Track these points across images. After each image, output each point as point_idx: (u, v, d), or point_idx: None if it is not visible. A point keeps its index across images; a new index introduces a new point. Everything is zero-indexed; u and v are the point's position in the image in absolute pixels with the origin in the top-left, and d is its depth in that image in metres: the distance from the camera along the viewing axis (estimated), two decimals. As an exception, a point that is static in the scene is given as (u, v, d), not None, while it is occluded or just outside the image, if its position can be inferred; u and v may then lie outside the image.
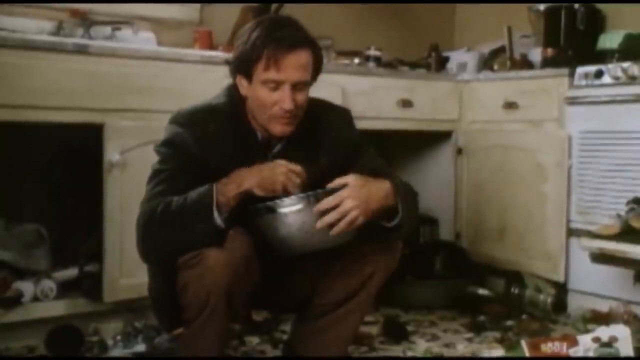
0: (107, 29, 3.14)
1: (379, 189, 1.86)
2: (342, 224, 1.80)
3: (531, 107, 3.34)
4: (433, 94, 3.57)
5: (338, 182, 1.84)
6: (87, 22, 3.12)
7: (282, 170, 1.84)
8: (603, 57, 3.36)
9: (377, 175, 1.95)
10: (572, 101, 3.13)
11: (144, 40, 3.17)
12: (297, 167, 1.86)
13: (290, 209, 1.79)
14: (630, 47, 3.26)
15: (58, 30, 3.06)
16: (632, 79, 2.94)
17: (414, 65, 3.94)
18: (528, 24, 3.89)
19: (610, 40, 3.38)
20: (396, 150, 3.89)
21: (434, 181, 3.74)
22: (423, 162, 3.80)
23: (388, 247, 2.03)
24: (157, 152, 1.94)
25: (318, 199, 1.78)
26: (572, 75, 3.19)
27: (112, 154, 2.61)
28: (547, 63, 3.55)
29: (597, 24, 3.66)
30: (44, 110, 2.54)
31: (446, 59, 4.01)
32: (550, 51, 3.59)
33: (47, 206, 2.94)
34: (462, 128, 3.64)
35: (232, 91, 1.98)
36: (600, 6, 3.65)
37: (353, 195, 1.79)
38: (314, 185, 1.88)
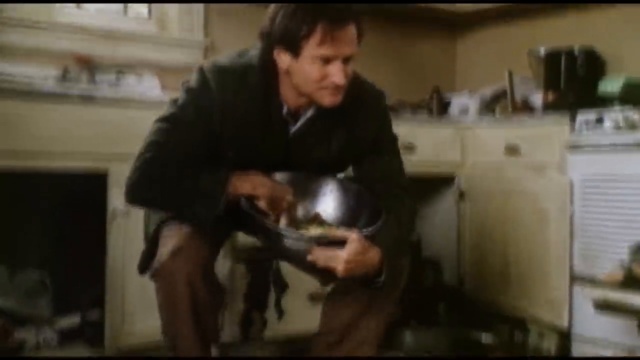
0: (112, 75, 3.17)
1: (370, 260, 1.85)
2: (323, 267, 1.82)
3: (533, 152, 3.35)
4: (435, 139, 3.59)
5: (343, 234, 1.84)
6: (91, 68, 3.16)
7: (287, 200, 1.89)
8: (604, 102, 3.39)
9: (388, 184, 2.00)
10: (574, 147, 3.14)
11: (148, 85, 3.19)
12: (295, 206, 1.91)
13: (295, 243, 1.82)
14: (630, 93, 3.28)
15: (63, 77, 3.09)
16: (632, 127, 2.95)
17: (416, 108, 3.98)
18: (529, 68, 3.94)
19: (610, 85, 3.41)
20: None
21: (437, 225, 3.74)
22: (426, 206, 3.80)
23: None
24: (183, 92, 1.93)
25: (319, 243, 1.81)
26: (573, 120, 3.20)
27: (115, 201, 2.62)
28: (548, 108, 3.57)
29: (597, 68, 3.69)
30: (48, 157, 2.56)
31: (448, 102, 4.05)
32: (551, 96, 3.62)
33: (50, 253, 2.94)
34: (464, 172, 3.65)
35: (267, 60, 1.92)
36: (600, 50, 3.68)
37: (347, 260, 1.80)
38: (324, 166, 1.98)
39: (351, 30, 1.83)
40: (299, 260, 1.84)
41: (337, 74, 1.83)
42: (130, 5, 3.51)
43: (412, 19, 4.25)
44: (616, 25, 3.72)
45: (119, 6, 3.49)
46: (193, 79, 1.93)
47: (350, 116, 2.00)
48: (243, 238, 2.88)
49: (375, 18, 3.88)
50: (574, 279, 3.10)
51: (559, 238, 3.16)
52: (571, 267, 3.12)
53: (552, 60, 3.73)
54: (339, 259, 1.79)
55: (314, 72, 1.84)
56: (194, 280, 1.84)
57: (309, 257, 1.80)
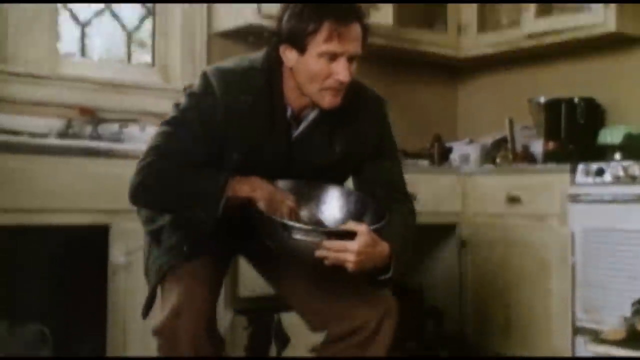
0: (115, 127, 3.19)
1: (379, 254, 1.85)
2: (331, 263, 1.82)
3: (534, 201, 3.36)
4: (436, 188, 3.60)
5: (351, 226, 1.84)
6: (95, 120, 3.18)
7: (288, 205, 1.89)
8: (604, 151, 3.41)
9: (390, 190, 2.01)
10: (574, 198, 3.15)
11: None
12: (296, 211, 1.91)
13: (302, 237, 1.82)
14: (631, 144, 3.30)
15: (67, 129, 3.11)
16: (632, 179, 2.97)
17: (416, 156, 3.99)
18: (529, 115, 3.96)
19: (610, 135, 3.44)
20: None
21: (439, 274, 3.74)
22: (427, 255, 3.80)
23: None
24: (186, 96, 1.95)
25: (328, 236, 1.82)
26: (573, 171, 3.22)
27: (117, 256, 2.62)
28: (548, 157, 3.59)
29: (597, 117, 3.72)
30: (49, 213, 2.56)
31: (449, 150, 4.06)
32: (551, 144, 3.64)
33: (51, 306, 2.93)
34: (465, 221, 3.66)
35: (272, 61, 1.96)
36: (600, 99, 3.71)
37: (357, 251, 1.80)
38: (327, 170, 1.98)
39: (356, 28, 1.88)
40: (307, 257, 1.82)
41: (342, 71, 1.86)
42: (133, 52, 3.55)
43: (413, 65, 4.27)
44: (616, 75, 3.76)
45: (122, 55, 3.52)
46: (196, 83, 1.96)
47: (352, 120, 2.02)
48: (244, 288, 2.90)
49: (377, 64, 3.90)
50: (576, 329, 3.09)
51: (560, 289, 3.16)
52: (573, 318, 3.11)
53: (552, 109, 3.77)
54: (349, 251, 1.79)
55: (320, 68, 1.86)
56: (197, 339, 1.85)
57: (318, 253, 1.79)
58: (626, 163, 3.04)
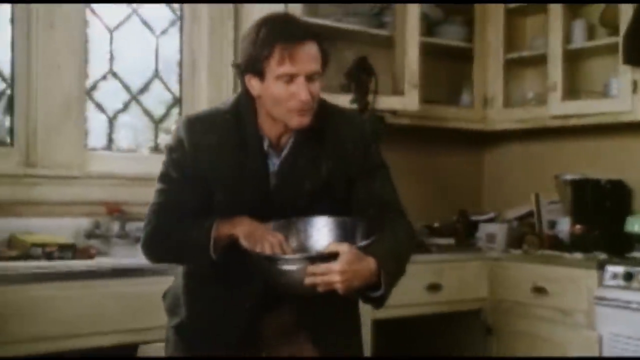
0: (142, 225, 3.21)
1: (366, 269, 1.85)
2: (323, 289, 1.82)
3: (560, 295, 3.34)
4: (462, 274, 3.59)
5: (332, 248, 1.85)
6: (122, 218, 3.22)
7: (270, 239, 1.89)
8: (631, 240, 3.39)
9: (384, 209, 2.02)
10: (602, 300, 3.13)
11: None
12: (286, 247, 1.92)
13: (287, 267, 1.85)
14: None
15: (94, 229, 3.15)
16: (662, 287, 2.94)
17: (441, 234, 3.98)
18: (556, 188, 3.94)
19: (638, 225, 3.40)
20: (423, 329, 3.82)
21: (465, 361, 3.72)
22: (452, 340, 3.78)
23: None
24: (165, 151, 2.07)
25: (312, 262, 1.83)
26: (601, 267, 3.20)
27: (145, 375, 2.65)
28: (575, 243, 3.56)
29: (625, 200, 3.70)
30: (77, 338, 2.58)
31: (475, 225, 4.04)
32: (578, 228, 3.61)
33: None
34: (491, 307, 3.64)
35: (241, 97, 2.03)
36: (628, 181, 3.68)
37: (341, 271, 1.80)
38: (317, 193, 1.99)
39: (310, 47, 1.91)
40: (298, 287, 1.83)
41: (301, 91, 1.89)
42: (160, 142, 3.57)
43: (439, 137, 4.26)
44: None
45: (150, 145, 3.55)
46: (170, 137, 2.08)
47: (335, 140, 2.03)
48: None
49: (403, 138, 3.90)
50: None
51: (587, 391, 3.13)
52: (600, 421, 3.09)
53: (578, 188, 3.76)
54: (333, 271, 1.80)
55: (279, 91, 1.90)
56: None
57: (307, 281, 1.81)
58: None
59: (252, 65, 1.93)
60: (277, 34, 1.89)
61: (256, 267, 1.91)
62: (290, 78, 1.89)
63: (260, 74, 1.92)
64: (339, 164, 2.03)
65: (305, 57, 1.90)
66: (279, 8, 3.26)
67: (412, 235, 2.08)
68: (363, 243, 1.88)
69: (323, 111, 2.02)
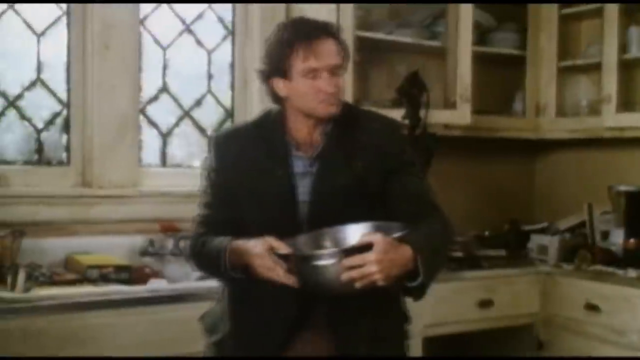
0: (195, 241, 3.26)
1: (402, 257, 1.85)
2: (362, 283, 1.82)
3: (613, 313, 3.30)
4: (513, 289, 3.57)
5: (365, 239, 1.86)
6: (176, 235, 3.25)
7: (276, 274, 1.90)
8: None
9: (419, 203, 2.05)
10: (657, 322, 3.09)
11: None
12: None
13: (321, 262, 1.84)
14: None
15: (148, 247, 3.20)
16: None
17: (491, 245, 3.95)
18: (609, 201, 3.88)
19: (694, 243, 3.35)
20: (473, 344, 3.79)
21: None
22: (504, 354, 3.77)
23: None
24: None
25: (347, 255, 1.82)
26: (656, 287, 3.16)
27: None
28: (629, 257, 3.51)
29: (683, 216, 3.62)
30: (136, 364, 2.63)
31: (526, 236, 4.00)
32: (631, 243, 3.56)
33: None
34: (543, 322, 3.61)
35: (270, 110, 2.15)
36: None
37: (377, 260, 1.80)
38: (350, 191, 2.02)
39: (329, 42, 2.01)
40: (336, 285, 1.82)
41: (326, 84, 1.99)
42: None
43: (490, 146, 4.22)
44: None
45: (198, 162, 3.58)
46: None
47: (369, 137, 2.09)
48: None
49: (455, 148, 3.87)
50: None
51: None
52: None
53: (633, 200, 3.69)
54: (369, 262, 1.80)
55: (306, 88, 2.00)
56: None
57: (344, 276, 1.81)
58: None
59: (276, 66, 2.02)
60: (298, 33, 2.00)
61: (295, 264, 1.88)
62: (315, 74, 1.99)
63: (286, 74, 2.01)
64: (374, 158, 2.07)
65: (327, 52, 1.99)
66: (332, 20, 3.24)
67: (447, 226, 2.07)
68: (397, 234, 1.87)
69: (353, 110, 2.16)
